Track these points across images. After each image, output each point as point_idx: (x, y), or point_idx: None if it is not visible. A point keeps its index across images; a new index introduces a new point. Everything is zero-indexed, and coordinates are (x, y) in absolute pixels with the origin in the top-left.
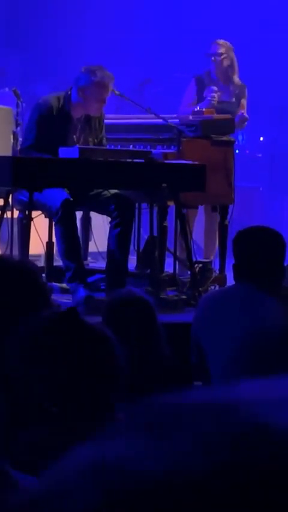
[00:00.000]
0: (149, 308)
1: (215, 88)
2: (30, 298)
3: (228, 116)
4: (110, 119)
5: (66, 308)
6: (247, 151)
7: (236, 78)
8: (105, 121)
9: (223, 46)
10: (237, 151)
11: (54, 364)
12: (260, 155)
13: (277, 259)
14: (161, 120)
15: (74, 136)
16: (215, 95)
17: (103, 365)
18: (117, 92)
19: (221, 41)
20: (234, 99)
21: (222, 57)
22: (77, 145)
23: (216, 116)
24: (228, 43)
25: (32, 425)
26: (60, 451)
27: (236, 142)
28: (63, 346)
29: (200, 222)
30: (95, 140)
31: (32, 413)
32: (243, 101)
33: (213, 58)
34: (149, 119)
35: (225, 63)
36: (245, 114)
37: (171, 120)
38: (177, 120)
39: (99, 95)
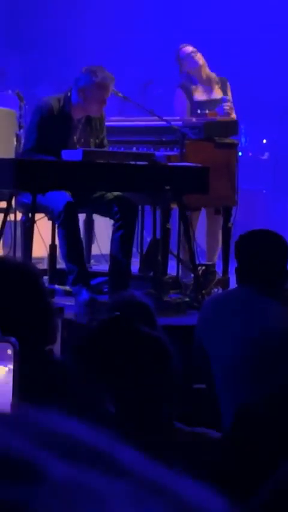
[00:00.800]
0: (149, 311)
1: (228, 97)
2: (29, 300)
3: (231, 118)
4: (113, 121)
5: (120, 316)
6: (250, 154)
7: (212, 74)
8: (108, 123)
9: (191, 47)
10: (240, 153)
11: (110, 368)
12: (265, 157)
13: (279, 263)
14: (164, 122)
15: (75, 137)
16: (229, 104)
17: (160, 367)
18: (120, 94)
19: (187, 44)
20: (219, 96)
21: (196, 55)
22: (81, 148)
23: (219, 118)
24: (192, 45)
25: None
26: None
27: (239, 145)
28: (120, 349)
29: (202, 224)
30: (96, 141)
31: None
32: (229, 92)
33: (193, 54)
34: (152, 121)
35: (200, 61)
36: (228, 104)
37: (175, 122)
38: (181, 122)
39: (100, 95)
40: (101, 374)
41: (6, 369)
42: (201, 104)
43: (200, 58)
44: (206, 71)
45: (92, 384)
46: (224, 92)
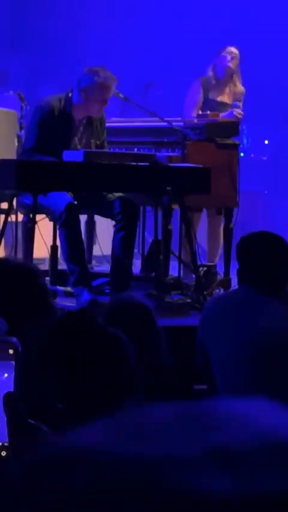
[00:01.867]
0: (148, 313)
1: (239, 104)
2: (30, 299)
3: (233, 119)
4: (114, 122)
5: (78, 309)
6: (252, 155)
7: (239, 84)
8: (110, 124)
9: (236, 50)
10: (242, 154)
11: (63, 364)
12: (265, 158)
13: (280, 264)
14: (165, 123)
15: (76, 137)
16: (239, 110)
17: (114, 365)
18: (121, 95)
19: (233, 47)
20: (240, 104)
21: (234, 59)
22: (82, 149)
23: (221, 119)
24: (238, 50)
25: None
26: None
27: (241, 146)
28: (73, 346)
29: (203, 225)
30: (97, 142)
31: (42, 412)
32: (240, 105)
33: (228, 57)
34: (154, 122)
35: (234, 65)
36: (239, 111)
37: (176, 123)
38: (182, 123)
39: (102, 95)
40: (56, 371)
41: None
42: (214, 103)
43: (233, 63)
44: (234, 78)
45: (48, 381)
46: (237, 102)
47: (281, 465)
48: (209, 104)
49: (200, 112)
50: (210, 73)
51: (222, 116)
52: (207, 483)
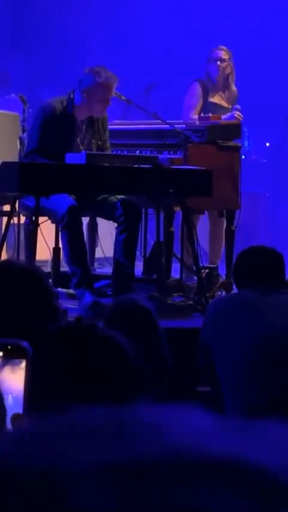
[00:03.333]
0: (150, 315)
1: (239, 107)
2: (35, 301)
3: (234, 121)
4: (116, 125)
5: (73, 320)
6: (253, 157)
7: (233, 86)
8: (112, 127)
9: (226, 53)
10: (243, 156)
11: (61, 376)
12: (264, 160)
13: (279, 279)
14: (167, 126)
15: (78, 139)
16: (239, 113)
17: (114, 372)
18: (123, 97)
19: (224, 48)
20: (230, 106)
21: (224, 64)
22: (84, 151)
23: (222, 121)
24: (229, 50)
25: None
26: None
27: (242, 148)
28: (71, 357)
29: (205, 227)
30: (99, 142)
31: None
32: (239, 107)
33: (218, 63)
34: (155, 125)
35: (227, 70)
36: (239, 114)
37: (178, 126)
38: (184, 126)
39: (104, 95)
40: (58, 380)
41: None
42: (213, 106)
43: (224, 68)
44: (227, 82)
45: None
46: (232, 103)
47: (180, 482)
48: (209, 107)
49: (202, 114)
50: (206, 77)
51: (224, 118)
52: (87, 502)
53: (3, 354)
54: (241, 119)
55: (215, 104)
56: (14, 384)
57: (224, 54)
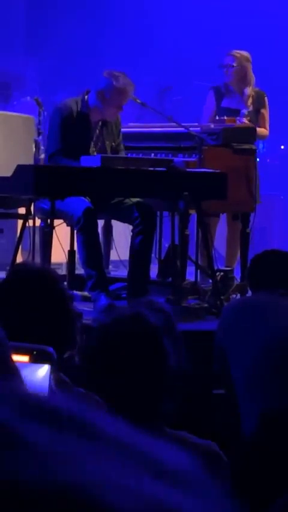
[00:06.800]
0: (168, 318)
1: (245, 112)
2: (50, 304)
3: (249, 124)
4: (131, 128)
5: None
6: (268, 160)
7: (249, 89)
8: (127, 129)
9: (236, 57)
10: (258, 159)
11: (112, 368)
12: (278, 163)
13: None
14: (182, 129)
15: (92, 140)
16: (247, 118)
17: (153, 365)
18: (138, 101)
19: (235, 52)
20: (250, 109)
21: (234, 69)
22: (99, 154)
23: (237, 124)
24: (244, 53)
25: None
26: None
27: (257, 151)
28: (126, 348)
29: (221, 230)
30: (112, 144)
31: None
32: (263, 111)
33: (225, 70)
34: (171, 128)
35: (238, 75)
36: (247, 119)
37: (193, 129)
38: (199, 129)
39: (118, 100)
40: (102, 373)
41: (45, 370)
42: (227, 111)
43: (234, 73)
44: (240, 85)
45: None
46: (260, 106)
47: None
48: (222, 113)
49: (217, 118)
50: (221, 83)
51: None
52: None
53: (29, 358)
54: (248, 123)
55: (228, 108)
56: (38, 388)
57: (233, 59)
